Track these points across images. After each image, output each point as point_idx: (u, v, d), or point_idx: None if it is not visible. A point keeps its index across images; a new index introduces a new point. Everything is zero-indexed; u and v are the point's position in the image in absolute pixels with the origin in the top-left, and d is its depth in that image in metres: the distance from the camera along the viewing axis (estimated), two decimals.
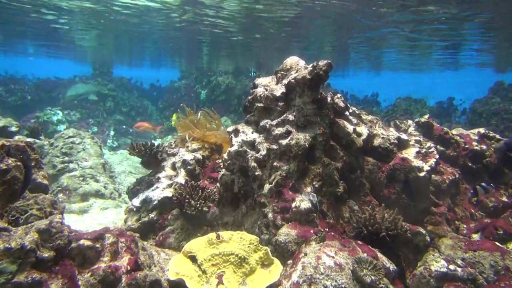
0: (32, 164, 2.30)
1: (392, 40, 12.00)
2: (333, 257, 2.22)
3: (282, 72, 3.48)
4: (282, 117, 3.20)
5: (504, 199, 3.63)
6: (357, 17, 9.06)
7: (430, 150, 3.48)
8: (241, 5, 8.50)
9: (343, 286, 2.04)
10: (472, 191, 3.65)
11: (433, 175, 3.48)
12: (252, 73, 16.10)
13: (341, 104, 3.48)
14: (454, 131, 4.26)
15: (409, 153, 3.43)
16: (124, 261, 2.03)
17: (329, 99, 3.30)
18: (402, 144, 3.53)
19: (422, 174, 3.26)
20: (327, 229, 2.76)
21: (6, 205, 1.96)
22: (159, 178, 3.84)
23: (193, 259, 2.48)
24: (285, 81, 3.29)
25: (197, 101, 13.24)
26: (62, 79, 15.26)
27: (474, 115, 11.52)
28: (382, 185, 3.30)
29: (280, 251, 2.58)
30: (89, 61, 20.62)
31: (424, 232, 2.93)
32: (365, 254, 2.28)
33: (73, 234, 2.02)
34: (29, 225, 1.82)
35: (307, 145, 2.98)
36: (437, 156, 3.44)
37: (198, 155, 3.93)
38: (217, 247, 2.54)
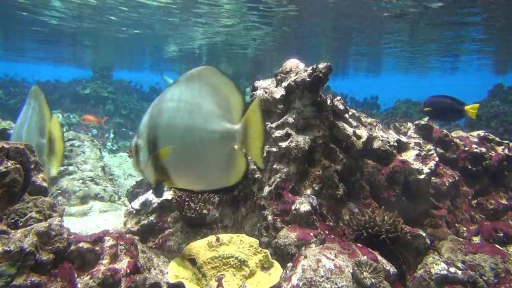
0: (32, 166, 2.29)
1: (392, 39, 12.05)
2: (333, 260, 2.21)
3: (281, 75, 3.48)
4: (281, 120, 3.20)
5: (504, 201, 3.63)
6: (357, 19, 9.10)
7: (429, 153, 3.48)
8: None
9: None
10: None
11: (432, 178, 3.48)
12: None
13: (341, 107, 3.48)
14: (453, 134, 4.26)
15: (409, 156, 3.43)
16: (123, 264, 2.02)
17: (328, 101, 3.30)
18: (401, 147, 3.53)
19: (422, 176, 3.25)
20: (327, 232, 2.75)
21: (5, 207, 1.96)
22: None
23: (192, 262, 2.48)
24: (284, 84, 3.30)
25: None
26: (62, 82, 15.26)
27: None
28: (382, 187, 3.30)
29: (280, 254, 2.57)
30: (89, 63, 20.63)
31: (424, 234, 2.93)
32: (365, 257, 2.27)
33: (73, 237, 2.01)
34: (29, 227, 1.81)
35: (306, 148, 2.98)
36: (436, 159, 3.44)
37: None
38: (217, 250, 2.53)
